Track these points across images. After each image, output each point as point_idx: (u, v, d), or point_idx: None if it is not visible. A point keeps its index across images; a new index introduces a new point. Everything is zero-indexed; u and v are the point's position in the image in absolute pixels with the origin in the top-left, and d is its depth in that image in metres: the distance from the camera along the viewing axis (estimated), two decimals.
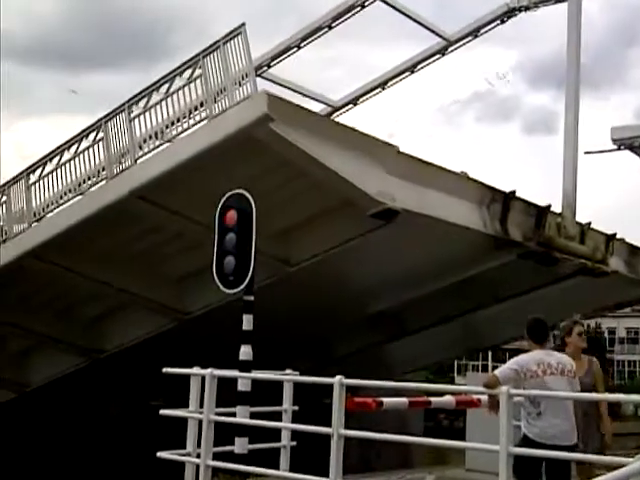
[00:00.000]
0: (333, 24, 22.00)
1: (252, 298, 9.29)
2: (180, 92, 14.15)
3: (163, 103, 14.36)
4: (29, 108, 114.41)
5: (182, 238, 16.27)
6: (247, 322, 9.26)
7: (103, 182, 15.05)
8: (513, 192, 17.62)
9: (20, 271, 16.71)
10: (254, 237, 9.12)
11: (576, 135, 19.34)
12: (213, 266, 9.46)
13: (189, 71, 14.06)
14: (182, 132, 14.09)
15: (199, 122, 13.90)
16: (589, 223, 20.12)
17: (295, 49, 22.40)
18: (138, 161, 14.58)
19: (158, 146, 14.39)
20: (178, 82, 14.20)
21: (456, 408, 9.29)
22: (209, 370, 8.77)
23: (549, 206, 18.64)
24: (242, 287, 9.25)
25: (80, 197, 15.36)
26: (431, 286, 19.15)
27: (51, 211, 15.81)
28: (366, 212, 14.60)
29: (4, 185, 16.68)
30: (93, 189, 15.15)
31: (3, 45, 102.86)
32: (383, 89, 23.91)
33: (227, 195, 9.47)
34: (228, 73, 13.54)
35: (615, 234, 21.19)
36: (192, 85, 14.02)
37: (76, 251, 16.15)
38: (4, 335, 19.62)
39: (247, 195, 9.24)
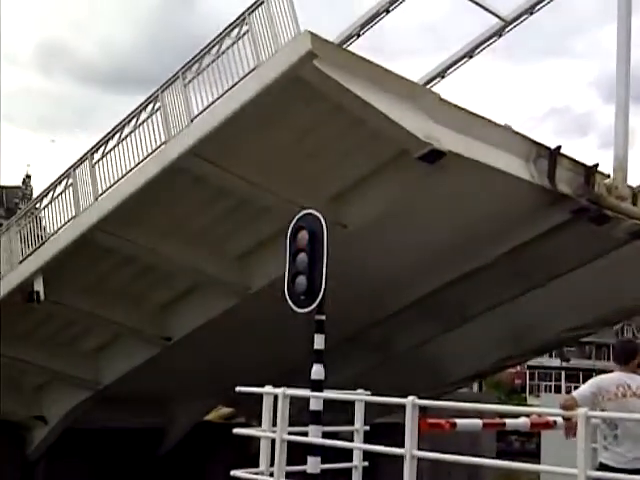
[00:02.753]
0: (390, 8, 22.40)
1: (324, 317, 9.48)
2: (229, 51, 14.93)
3: (214, 64, 15.14)
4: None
5: (245, 206, 16.76)
6: (319, 341, 9.45)
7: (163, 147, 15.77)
8: (559, 147, 17.89)
9: (90, 250, 17.35)
10: (325, 257, 9.36)
11: (627, 94, 19.28)
12: (285, 285, 9.68)
13: (236, 30, 14.85)
14: (233, 86, 14.77)
15: (249, 74, 14.59)
16: None
17: (355, 37, 22.72)
18: (194, 121, 15.31)
19: (212, 103, 15.09)
20: (227, 42, 14.99)
21: (530, 430, 9.39)
22: (281, 389, 8.93)
23: (597, 165, 18.83)
24: (313, 306, 9.46)
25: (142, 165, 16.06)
26: (485, 254, 19.19)
27: (116, 183, 16.52)
28: (413, 155, 15.04)
29: (69, 168, 17.47)
30: (153, 154, 15.84)
31: (85, 73, 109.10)
32: (442, 78, 23.87)
33: (298, 216, 9.78)
34: (273, 25, 14.29)
35: None
36: (240, 42, 14.78)
37: (142, 223, 16.78)
38: (82, 329, 20.37)
39: (318, 215, 9.57)
